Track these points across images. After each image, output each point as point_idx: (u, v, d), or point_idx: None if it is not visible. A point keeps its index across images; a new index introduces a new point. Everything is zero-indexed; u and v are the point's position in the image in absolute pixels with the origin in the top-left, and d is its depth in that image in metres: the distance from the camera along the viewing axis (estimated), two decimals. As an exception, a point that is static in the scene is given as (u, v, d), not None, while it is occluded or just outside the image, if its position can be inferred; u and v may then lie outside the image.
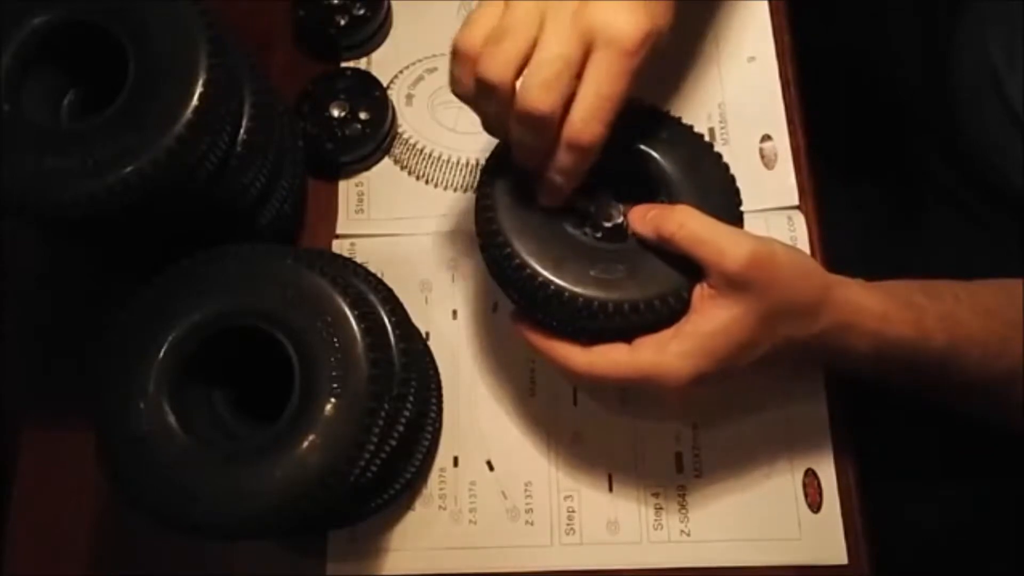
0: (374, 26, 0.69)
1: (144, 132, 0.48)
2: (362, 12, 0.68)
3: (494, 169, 0.52)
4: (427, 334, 0.62)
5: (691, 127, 0.54)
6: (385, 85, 0.67)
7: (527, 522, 0.58)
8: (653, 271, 0.49)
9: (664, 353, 0.47)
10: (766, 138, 0.64)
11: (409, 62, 0.69)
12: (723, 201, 0.51)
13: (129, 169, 0.48)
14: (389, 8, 0.70)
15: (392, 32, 0.70)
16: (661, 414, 0.59)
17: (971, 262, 0.54)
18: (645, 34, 0.45)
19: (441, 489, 0.60)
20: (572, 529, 0.58)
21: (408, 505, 0.59)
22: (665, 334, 0.48)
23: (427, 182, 0.66)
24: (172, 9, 0.50)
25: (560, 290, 0.48)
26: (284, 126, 0.62)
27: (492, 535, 0.58)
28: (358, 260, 0.62)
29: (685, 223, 0.48)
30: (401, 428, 0.51)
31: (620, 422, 0.60)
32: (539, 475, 0.59)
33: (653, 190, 0.52)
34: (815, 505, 0.57)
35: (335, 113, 0.65)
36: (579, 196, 0.52)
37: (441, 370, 0.61)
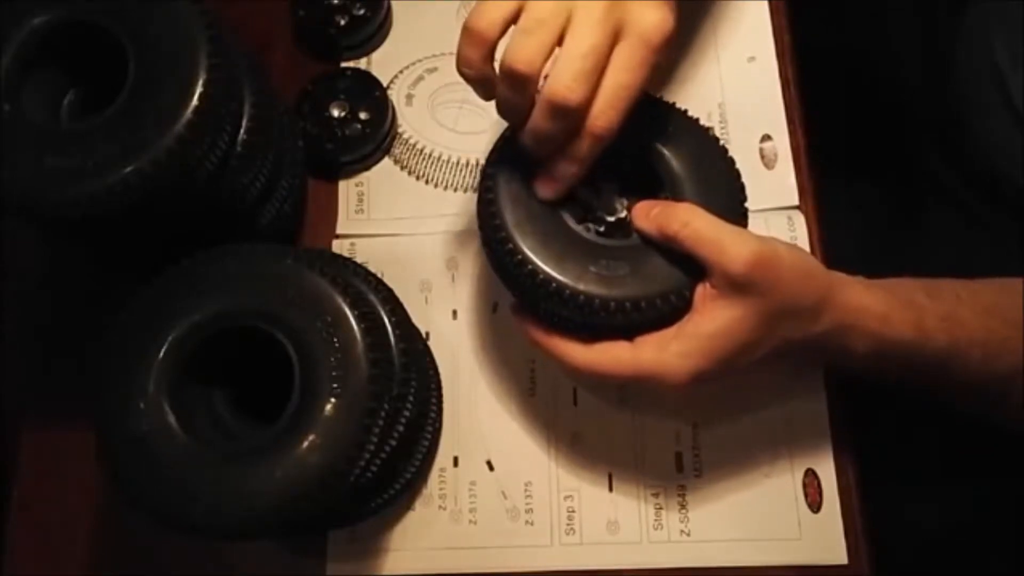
0: (374, 26, 0.69)
1: (144, 132, 0.48)
2: (362, 12, 0.68)
3: (497, 164, 0.52)
4: (427, 334, 0.62)
5: (698, 120, 0.54)
6: (385, 85, 0.67)
7: (527, 522, 0.58)
8: (655, 269, 0.49)
9: (665, 352, 0.48)
10: (766, 138, 0.64)
11: (409, 62, 0.69)
12: (728, 199, 0.51)
13: (129, 169, 0.48)
14: (389, 8, 0.70)
15: (392, 32, 0.70)
16: (661, 413, 0.59)
17: (971, 262, 0.54)
18: (671, 29, 0.47)
19: (441, 489, 0.60)
20: (572, 529, 0.58)
21: (408, 505, 0.59)
22: (667, 333, 0.48)
23: (427, 182, 0.66)
24: (172, 9, 0.50)
25: (561, 287, 0.48)
26: (284, 126, 0.62)
27: (492, 535, 0.58)
28: (358, 260, 0.62)
29: (689, 222, 0.48)
30: (401, 428, 0.51)
31: (620, 422, 0.60)
32: (539, 475, 0.59)
33: (657, 185, 0.52)
34: (815, 505, 0.57)
35: (335, 113, 0.65)
36: (582, 189, 0.52)
37: (441, 370, 0.61)
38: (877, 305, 0.50)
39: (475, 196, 0.65)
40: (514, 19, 0.47)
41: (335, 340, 0.46)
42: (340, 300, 0.47)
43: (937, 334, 0.50)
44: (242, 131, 0.54)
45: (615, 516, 0.58)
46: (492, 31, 0.47)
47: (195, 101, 0.49)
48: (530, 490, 0.59)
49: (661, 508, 0.58)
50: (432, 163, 0.67)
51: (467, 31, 0.47)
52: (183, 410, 0.47)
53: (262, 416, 0.48)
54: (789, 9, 0.68)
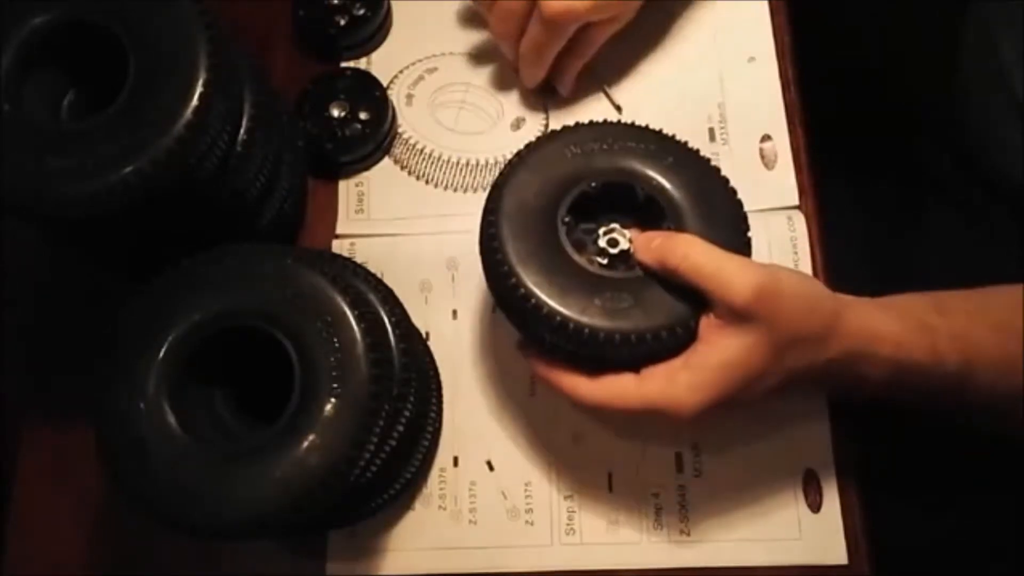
0: (374, 26, 0.69)
1: (144, 132, 0.48)
2: (362, 12, 0.68)
3: (498, 198, 0.51)
4: (427, 334, 0.62)
5: (698, 151, 0.54)
6: (385, 85, 0.67)
7: (527, 522, 0.58)
8: (659, 301, 0.49)
9: (674, 385, 0.47)
10: (766, 138, 0.64)
11: (409, 62, 0.69)
12: (730, 229, 0.51)
13: (129, 169, 0.47)
14: (389, 8, 0.70)
15: (392, 32, 0.70)
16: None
17: (972, 261, 0.54)
18: None
19: (441, 489, 0.59)
20: (572, 529, 0.58)
21: (408, 505, 0.59)
22: (674, 364, 0.48)
23: (427, 182, 0.66)
24: (172, 9, 0.50)
25: (566, 320, 0.48)
26: (284, 126, 0.62)
27: (492, 535, 0.58)
28: (358, 260, 0.62)
29: (689, 254, 0.48)
30: (401, 428, 0.51)
31: (620, 422, 0.59)
32: (539, 475, 0.59)
33: (659, 216, 0.52)
34: (815, 505, 0.57)
35: (335, 113, 0.65)
36: (584, 222, 0.52)
37: (441, 370, 0.61)
38: (889, 330, 0.49)
39: (475, 196, 0.65)
40: None
41: (335, 340, 0.46)
42: (340, 300, 0.47)
43: (950, 355, 0.50)
44: (242, 131, 0.54)
45: (615, 516, 0.58)
46: None
47: (195, 101, 0.48)
48: (530, 490, 0.59)
49: (661, 508, 0.58)
50: (432, 163, 0.67)
51: None
52: (183, 410, 0.47)
53: (262, 416, 0.48)
54: (789, 9, 0.68)
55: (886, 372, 0.50)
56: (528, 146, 0.54)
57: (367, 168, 0.67)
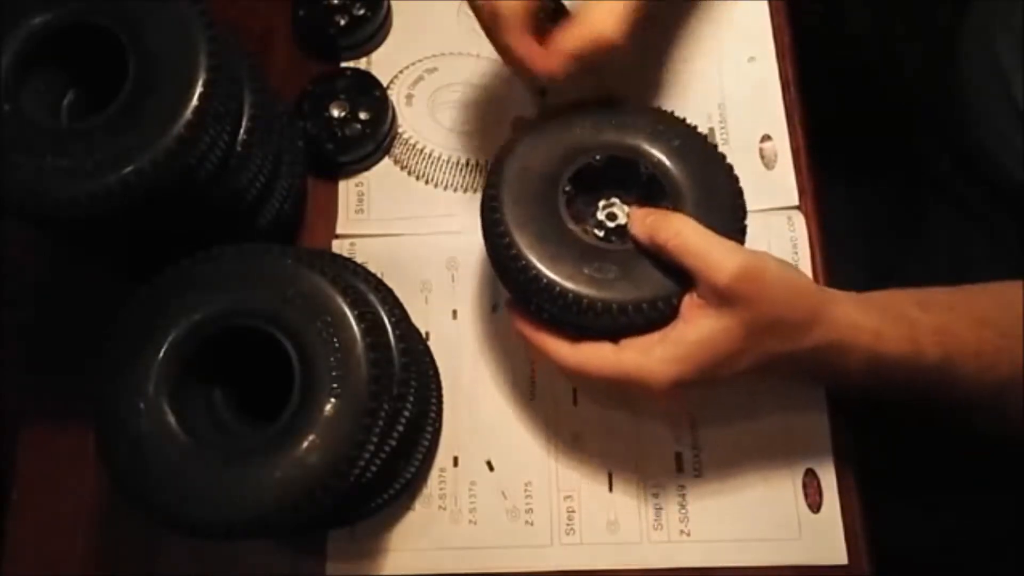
0: (374, 26, 0.69)
1: (144, 132, 0.48)
2: (362, 12, 0.68)
3: (504, 161, 0.53)
4: (427, 334, 0.62)
5: (706, 137, 0.55)
6: (385, 85, 0.67)
7: (527, 522, 0.58)
8: (646, 275, 0.50)
9: (647, 357, 0.48)
10: (766, 138, 0.64)
11: (409, 62, 0.69)
12: (727, 214, 0.52)
13: (129, 169, 0.48)
14: (389, 8, 0.70)
15: (392, 32, 0.70)
16: (661, 413, 0.59)
17: (971, 261, 0.54)
18: None
19: (441, 489, 0.59)
20: (572, 529, 0.58)
21: (408, 505, 0.59)
22: (651, 338, 0.49)
23: (427, 182, 0.66)
24: (172, 9, 0.50)
25: (552, 284, 0.49)
26: (284, 126, 0.62)
27: (492, 535, 0.58)
28: (358, 260, 0.62)
29: (680, 231, 0.49)
30: (401, 428, 0.51)
31: (620, 422, 0.60)
32: (539, 475, 0.59)
33: (660, 195, 0.52)
34: (815, 505, 0.57)
35: (335, 113, 0.65)
36: (587, 194, 0.53)
37: (441, 370, 0.61)
38: (870, 321, 0.50)
39: (475, 196, 0.65)
40: None
41: (335, 340, 0.46)
42: (340, 300, 0.47)
43: (930, 348, 0.50)
44: (242, 131, 0.54)
45: (615, 516, 0.58)
46: None
47: (195, 101, 0.49)
48: (530, 490, 0.59)
49: (661, 508, 0.58)
50: (432, 163, 0.67)
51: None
52: (183, 410, 0.47)
53: (262, 416, 0.48)
54: (789, 9, 0.68)
55: (864, 364, 0.50)
56: (539, 115, 0.55)
57: (367, 168, 0.67)
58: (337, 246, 0.65)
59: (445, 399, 0.60)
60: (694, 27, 0.68)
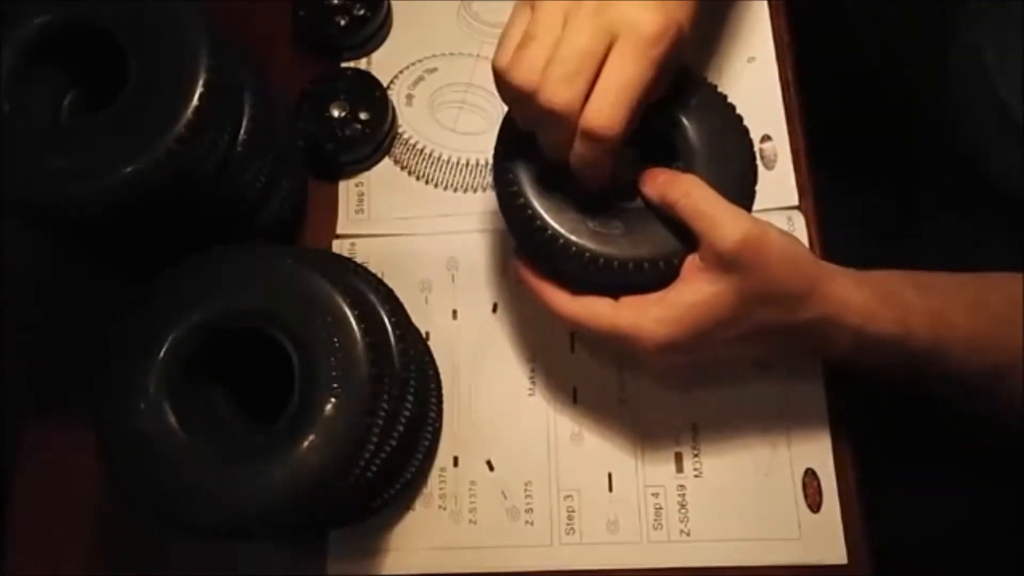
0: (374, 26, 0.69)
1: (144, 132, 0.48)
2: (362, 12, 0.68)
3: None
4: (427, 334, 0.62)
5: (726, 97, 0.53)
6: (385, 85, 0.67)
7: (527, 522, 0.58)
8: (650, 234, 0.50)
9: (643, 316, 0.49)
10: (766, 138, 0.64)
11: (409, 62, 0.69)
12: (737, 179, 0.51)
13: (129, 169, 0.47)
14: (389, 8, 0.70)
15: (392, 32, 0.70)
16: (661, 412, 0.59)
17: (969, 262, 0.54)
18: (664, 25, 0.46)
19: (441, 489, 0.60)
20: (572, 529, 0.58)
21: (408, 505, 0.59)
22: (649, 297, 0.49)
23: (427, 182, 0.66)
24: (172, 9, 0.50)
25: (556, 235, 0.50)
26: (284, 126, 0.62)
27: (492, 535, 0.58)
28: (358, 260, 0.62)
29: (690, 192, 0.49)
30: (401, 428, 0.51)
31: (620, 422, 0.60)
32: (539, 475, 0.59)
33: (672, 155, 0.52)
34: (815, 505, 0.57)
35: (335, 113, 0.65)
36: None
37: (441, 370, 0.61)
38: (863, 300, 0.50)
39: (475, 196, 0.65)
40: None
41: (335, 340, 0.46)
42: (340, 300, 0.47)
43: (921, 330, 0.50)
44: (242, 131, 0.54)
45: (615, 516, 0.58)
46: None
47: (195, 101, 0.49)
48: (530, 490, 0.59)
49: (661, 508, 0.58)
50: (432, 163, 0.67)
51: (494, 73, 0.48)
52: (183, 410, 0.47)
53: (262, 416, 0.48)
54: (789, 9, 0.68)
55: (852, 340, 0.50)
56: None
57: (367, 168, 0.67)
58: (337, 246, 0.65)
59: (445, 399, 0.60)
60: (694, 27, 0.68)
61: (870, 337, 0.50)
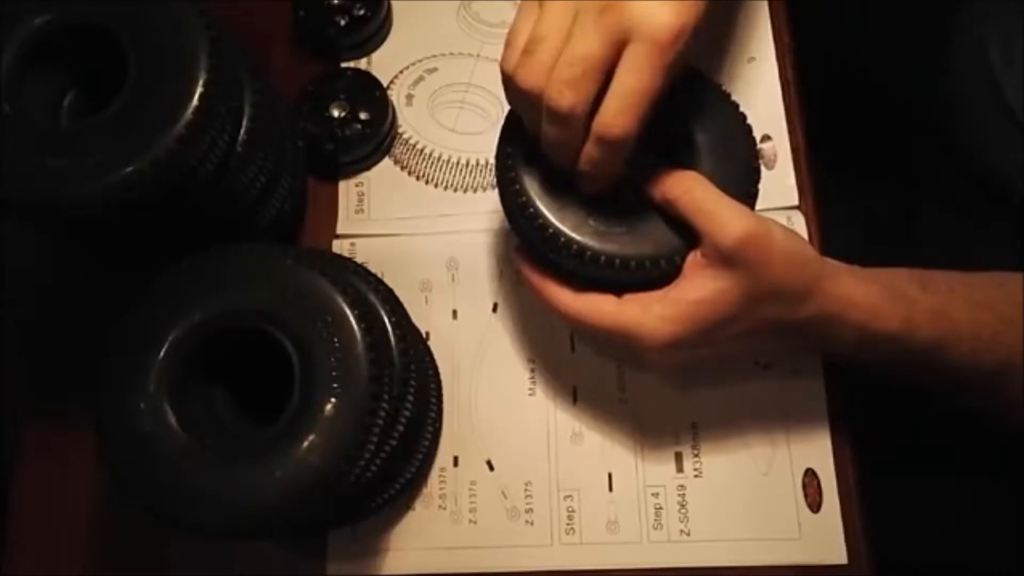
0: (374, 26, 0.69)
1: (144, 132, 0.48)
2: (362, 12, 0.68)
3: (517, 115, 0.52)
4: (427, 334, 0.62)
5: (730, 95, 0.53)
6: (385, 85, 0.67)
7: (527, 522, 0.58)
8: (651, 232, 0.50)
9: (646, 314, 0.49)
10: (766, 138, 0.64)
11: (409, 62, 0.69)
12: (740, 179, 0.51)
13: (129, 169, 0.47)
14: (389, 8, 0.70)
15: (392, 32, 0.70)
16: (661, 412, 0.59)
17: (970, 263, 0.54)
18: (679, 28, 0.45)
19: (441, 489, 0.60)
20: (572, 529, 0.58)
21: (408, 505, 0.59)
22: (652, 295, 0.49)
23: (427, 182, 0.66)
24: (172, 9, 0.50)
25: (558, 233, 0.50)
26: (284, 126, 0.62)
27: (492, 535, 0.58)
28: (358, 260, 0.62)
29: (691, 189, 0.49)
30: (401, 428, 0.51)
31: (620, 422, 0.60)
32: (539, 475, 0.59)
33: (676, 152, 0.52)
34: (815, 505, 0.57)
35: (335, 113, 0.65)
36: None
37: (441, 370, 0.61)
38: (867, 298, 0.50)
39: (476, 196, 0.65)
40: None
41: (335, 340, 0.46)
42: (340, 300, 0.47)
43: (924, 328, 0.50)
44: (242, 131, 0.54)
45: (615, 516, 0.58)
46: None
47: (195, 101, 0.48)
48: (530, 490, 0.59)
49: (661, 508, 0.58)
50: (432, 163, 0.67)
51: (502, 75, 0.48)
52: (183, 410, 0.47)
53: (262, 416, 0.48)
54: (789, 9, 0.68)
55: (856, 338, 0.50)
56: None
57: (367, 168, 0.67)
58: (337, 246, 0.65)
59: (445, 399, 0.60)
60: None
61: (874, 334, 0.50)
